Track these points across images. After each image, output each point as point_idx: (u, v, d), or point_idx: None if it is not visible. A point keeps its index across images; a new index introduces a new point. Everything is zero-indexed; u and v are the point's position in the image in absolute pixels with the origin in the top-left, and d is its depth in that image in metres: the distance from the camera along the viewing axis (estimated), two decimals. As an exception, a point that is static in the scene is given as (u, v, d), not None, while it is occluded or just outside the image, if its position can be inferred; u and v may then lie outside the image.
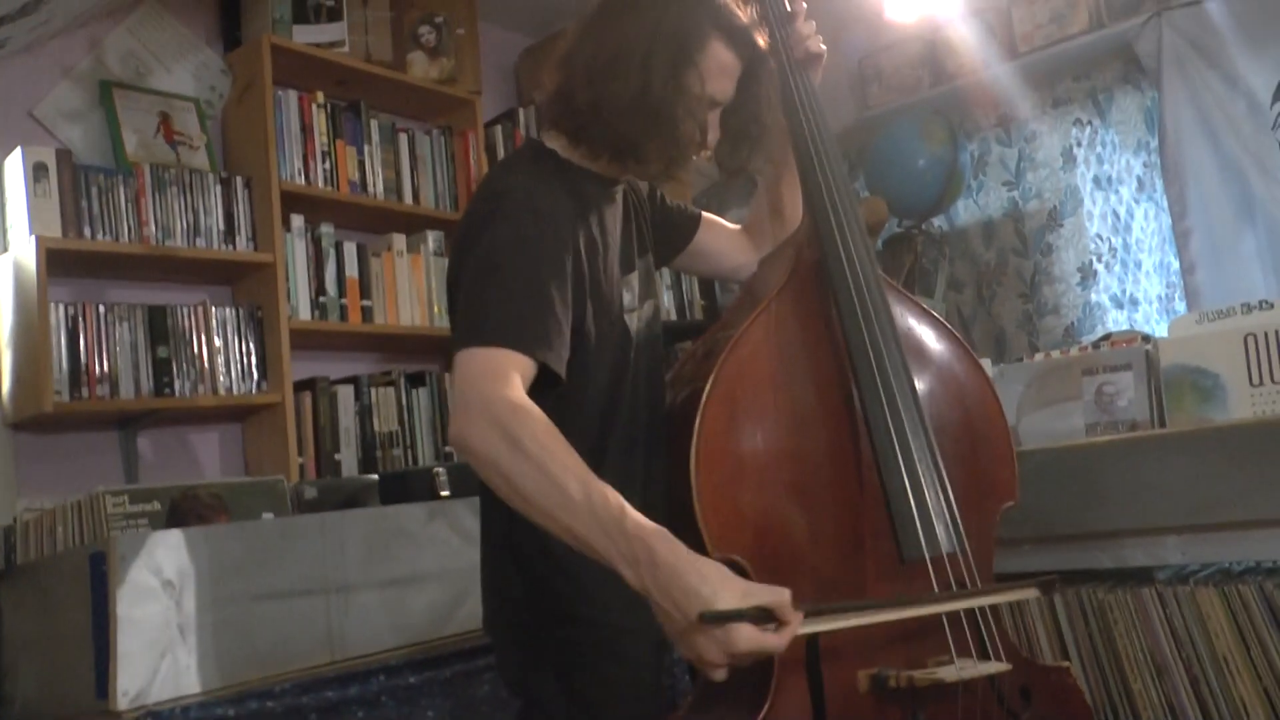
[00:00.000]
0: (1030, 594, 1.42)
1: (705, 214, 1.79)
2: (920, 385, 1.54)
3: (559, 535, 1.21)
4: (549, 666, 1.45)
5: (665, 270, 3.45)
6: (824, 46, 1.69)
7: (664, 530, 1.17)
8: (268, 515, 2.25)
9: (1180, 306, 3.40)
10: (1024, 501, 1.68)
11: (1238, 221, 3.25)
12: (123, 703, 1.62)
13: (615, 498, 1.19)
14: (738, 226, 1.82)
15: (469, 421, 1.24)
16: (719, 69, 1.46)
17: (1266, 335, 1.97)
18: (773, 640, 1.14)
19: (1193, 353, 2.06)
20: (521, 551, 1.47)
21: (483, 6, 3.83)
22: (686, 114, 1.43)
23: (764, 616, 1.13)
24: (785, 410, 1.48)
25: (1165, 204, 3.42)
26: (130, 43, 3.06)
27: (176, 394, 2.81)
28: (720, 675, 1.16)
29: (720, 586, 1.13)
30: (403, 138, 3.50)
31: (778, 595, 1.15)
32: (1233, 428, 1.93)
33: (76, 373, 2.65)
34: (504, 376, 1.26)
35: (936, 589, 1.43)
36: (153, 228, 2.84)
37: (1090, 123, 3.65)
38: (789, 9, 1.64)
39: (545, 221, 1.39)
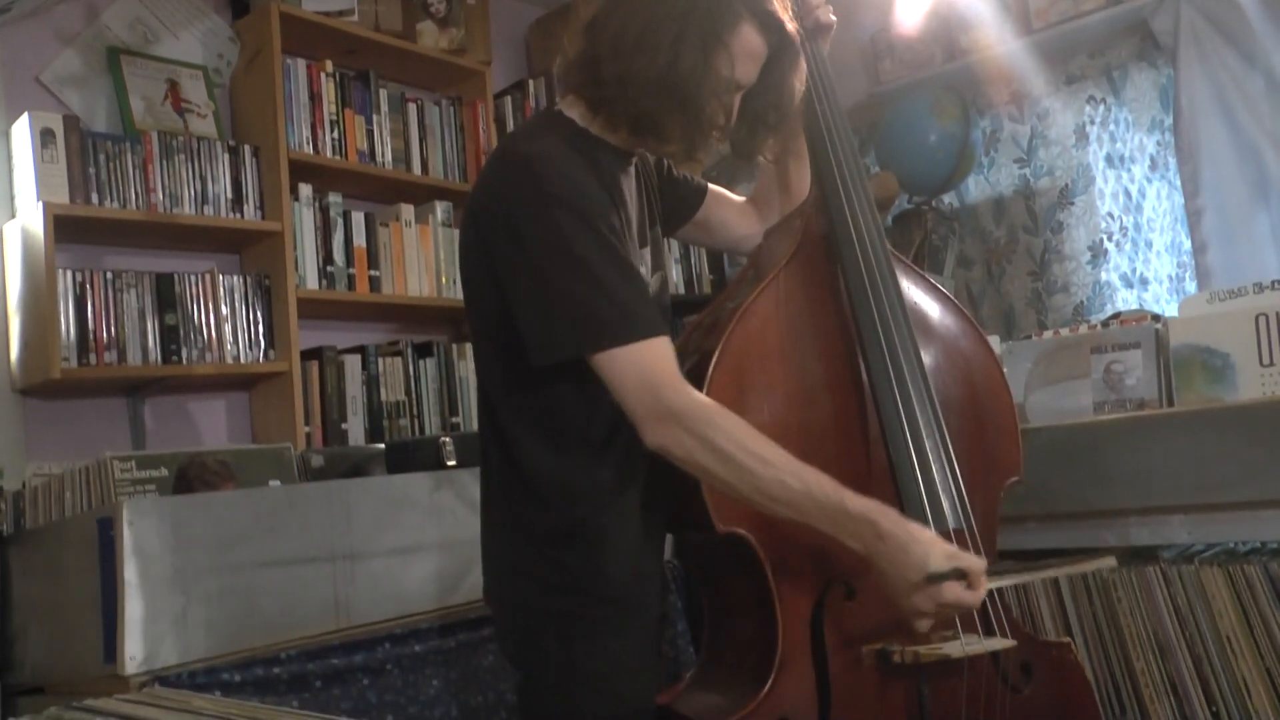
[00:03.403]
0: (1109, 563, 1.51)
1: (711, 186, 1.78)
2: (927, 360, 1.54)
3: (775, 514, 1.34)
4: (550, 638, 1.45)
5: (673, 243, 3.45)
6: (834, 17, 1.67)
7: (881, 504, 1.33)
8: (274, 483, 2.26)
9: (1191, 287, 3.38)
10: (1030, 479, 1.68)
11: (1252, 201, 3.22)
12: (130, 667, 1.63)
13: (831, 483, 1.32)
14: (744, 199, 1.81)
15: (665, 434, 1.33)
16: (747, 53, 1.44)
17: (1278, 315, 1.96)
18: (970, 596, 1.31)
19: (1203, 332, 2.04)
20: (527, 525, 1.47)
21: (493, -24, 3.80)
22: (712, 96, 1.41)
23: (963, 576, 1.31)
24: (792, 382, 1.48)
25: (1178, 183, 3.39)
26: (138, 9, 3.05)
27: (184, 361, 2.81)
28: (926, 626, 1.35)
29: (931, 549, 1.31)
30: (412, 108, 3.48)
31: (973, 561, 1.32)
32: (1242, 407, 1.92)
33: (84, 339, 2.65)
34: (668, 373, 1.35)
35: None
36: (160, 195, 2.84)
37: (1104, 100, 3.62)
38: None
39: (595, 199, 1.39)
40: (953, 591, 1.29)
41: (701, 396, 1.35)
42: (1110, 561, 1.47)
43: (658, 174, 1.67)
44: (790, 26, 1.47)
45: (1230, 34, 3.24)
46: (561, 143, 1.44)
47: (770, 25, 1.45)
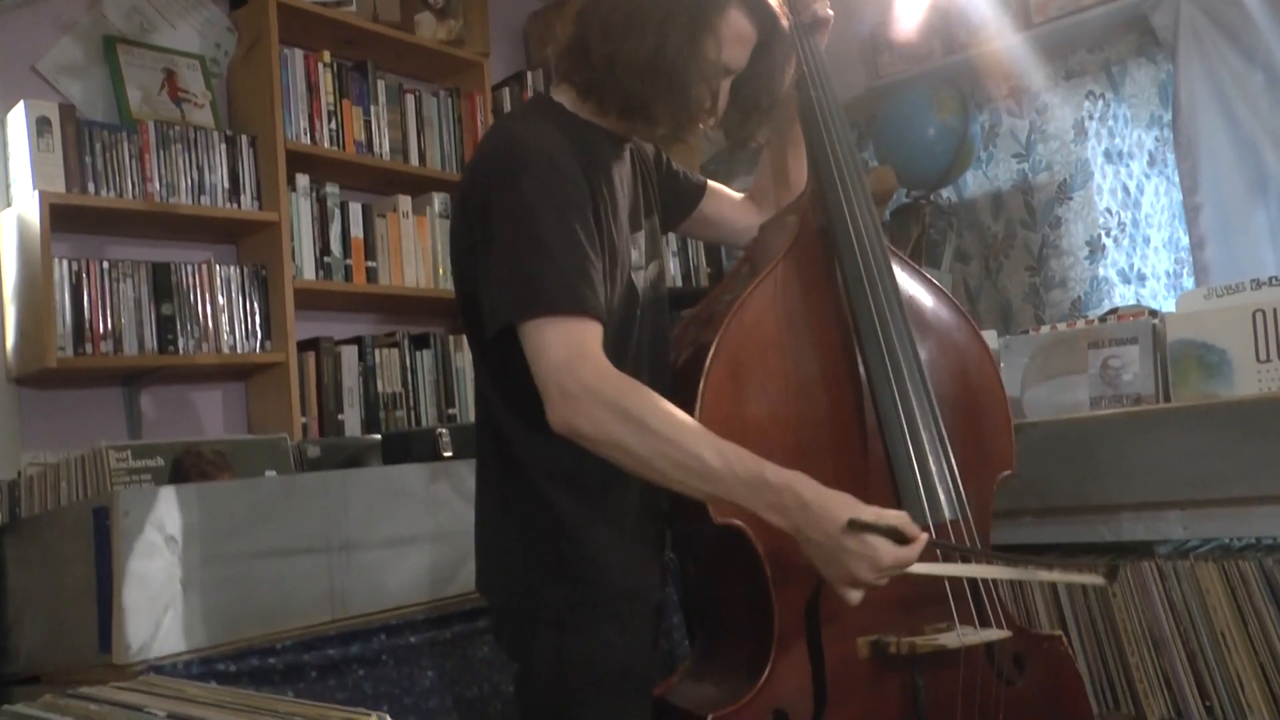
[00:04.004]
0: (1097, 580, 1.47)
1: (710, 182, 1.78)
2: (922, 354, 1.54)
3: (695, 497, 1.31)
4: (545, 627, 1.45)
5: (671, 236, 3.44)
6: (831, 11, 1.67)
7: (800, 473, 1.29)
8: (271, 473, 2.26)
9: (1188, 283, 3.38)
10: (1027, 473, 1.68)
11: (1250, 197, 3.22)
12: (126, 657, 1.63)
13: (749, 454, 1.28)
14: (742, 194, 1.81)
15: (578, 411, 1.28)
16: (736, 37, 1.44)
17: (1275, 311, 1.96)
18: (905, 553, 1.27)
19: (1200, 328, 2.05)
20: (522, 514, 1.47)
21: (492, -32, 3.79)
22: (700, 79, 1.41)
23: (895, 534, 1.27)
24: (789, 375, 1.48)
25: (1176, 179, 3.39)
26: (136, -2, 3.04)
27: (180, 351, 2.81)
28: (857, 598, 1.30)
29: (857, 508, 1.28)
30: (409, 99, 3.48)
31: (900, 517, 1.29)
32: (1238, 403, 1.92)
33: (80, 329, 2.65)
34: (592, 353, 1.31)
35: (939, 555, 1.43)
36: (157, 184, 2.83)
37: (1103, 95, 3.61)
38: None
39: (568, 176, 1.38)
40: (886, 548, 1.26)
41: (620, 374, 1.31)
42: (1099, 580, 1.46)
43: (658, 168, 1.67)
44: (780, 11, 1.47)
45: (1230, 30, 3.24)
46: (548, 124, 1.44)
47: (759, 9, 1.45)
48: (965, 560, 1.45)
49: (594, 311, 1.33)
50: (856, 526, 1.26)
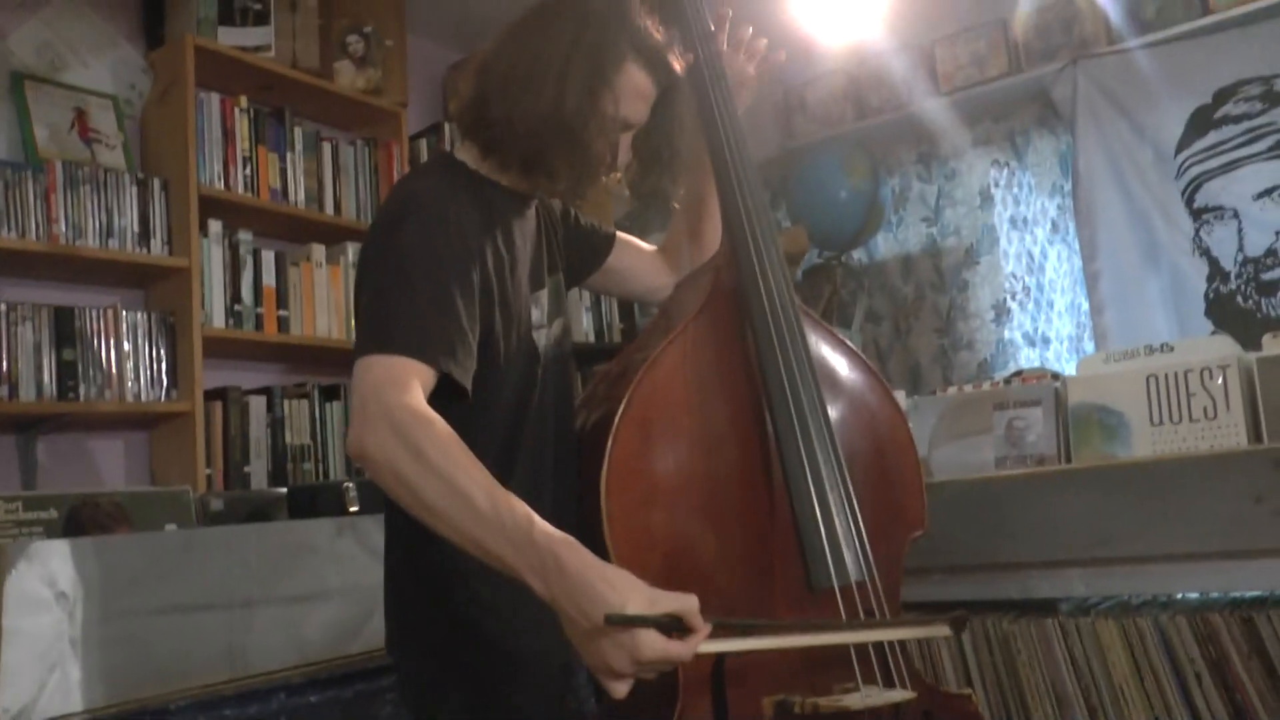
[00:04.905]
0: (942, 632, 1.41)
1: (620, 234, 1.79)
2: (833, 413, 1.55)
3: (464, 546, 1.19)
4: (453, 690, 1.42)
5: (584, 292, 3.45)
6: (753, 71, 1.71)
7: (571, 539, 1.16)
8: (171, 527, 2.19)
9: (1089, 346, 3.49)
10: (934, 532, 1.70)
11: (1143, 266, 3.36)
12: (4, 719, 1.56)
13: (522, 508, 1.17)
14: (654, 249, 1.82)
15: (368, 430, 1.21)
16: (634, 91, 1.46)
17: (1166, 377, 2.04)
18: (677, 649, 1.12)
19: (1099, 391, 2.11)
20: (426, 569, 1.44)
21: (411, 19, 3.81)
22: (598, 133, 1.42)
23: (671, 624, 1.12)
24: (698, 434, 1.48)
25: (1077, 246, 3.52)
26: (45, 34, 2.98)
27: (81, 398, 2.72)
28: (622, 690, 1.15)
29: (627, 593, 1.11)
30: (326, 147, 3.45)
31: (685, 602, 1.13)
32: (1134, 465, 1.98)
33: (-26, 373, 2.56)
34: (405, 385, 1.24)
35: (845, 617, 1.44)
36: (63, 226, 2.76)
37: (1008, 164, 3.74)
38: (712, 28, 1.66)
39: (453, 231, 1.37)
40: (651, 643, 1.10)
41: (425, 407, 1.25)
42: (945, 632, 1.44)
43: (564, 223, 1.67)
44: (678, 66, 1.49)
45: (1123, 106, 3.39)
46: (447, 180, 1.45)
47: (656, 63, 1.47)
48: (775, 634, 1.37)
49: (432, 358, 1.28)
50: (615, 621, 1.09)
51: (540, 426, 1.46)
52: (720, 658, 1.40)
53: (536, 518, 1.17)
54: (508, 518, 1.16)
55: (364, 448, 1.22)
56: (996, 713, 2.00)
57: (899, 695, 1.46)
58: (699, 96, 1.62)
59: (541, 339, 1.51)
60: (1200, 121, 3.29)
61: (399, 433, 1.20)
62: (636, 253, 1.79)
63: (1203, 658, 1.83)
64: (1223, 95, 3.27)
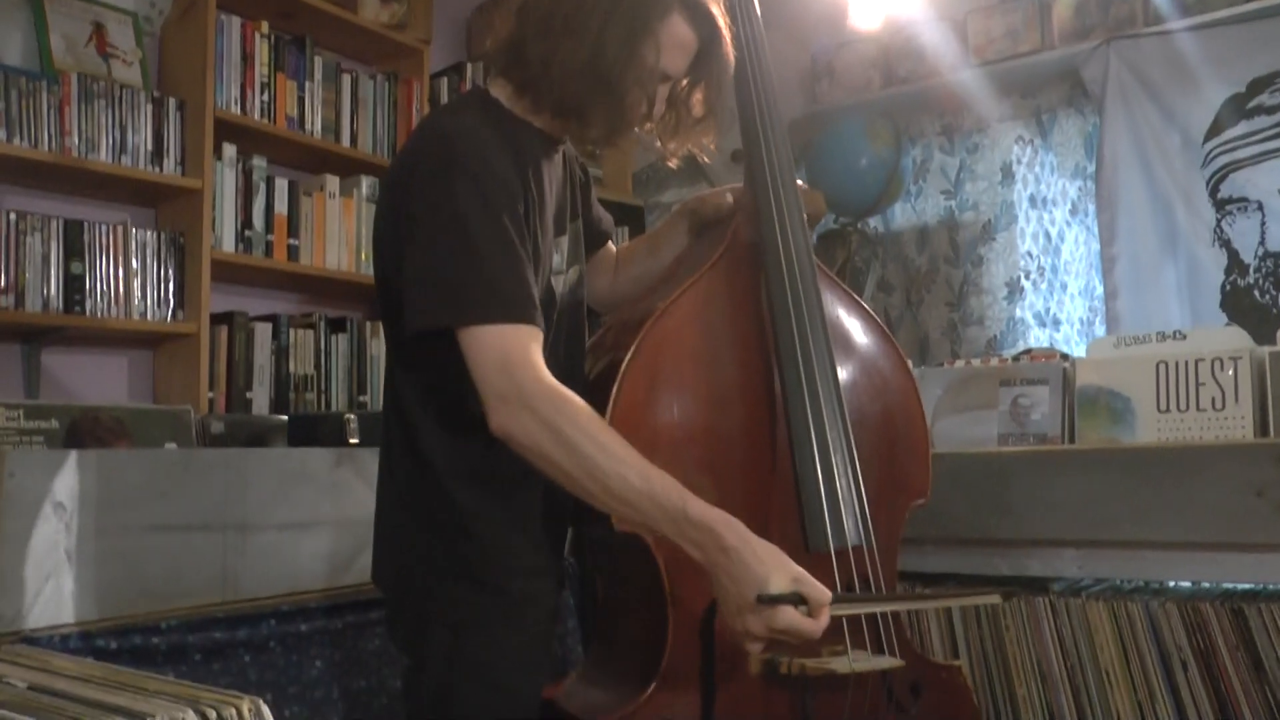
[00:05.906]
0: (993, 599, 1.46)
1: (610, 241, 1.78)
2: (844, 375, 1.55)
3: (614, 514, 1.29)
4: (440, 625, 1.42)
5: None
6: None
7: (726, 515, 1.27)
8: (171, 445, 2.19)
9: (1100, 330, 3.48)
10: (932, 503, 1.70)
11: (1161, 252, 3.33)
12: (-3, 624, 1.57)
13: (675, 485, 1.27)
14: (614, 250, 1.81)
15: (511, 416, 1.28)
16: (675, 43, 1.43)
17: (1177, 365, 2.02)
18: (807, 625, 1.24)
19: (1107, 374, 2.10)
20: (424, 509, 1.44)
21: (441, -45, 3.76)
22: (636, 84, 1.40)
23: (803, 602, 1.25)
24: (705, 386, 1.48)
25: (1095, 229, 3.49)
26: (69, -55, 2.94)
27: (87, 313, 2.71)
28: (757, 649, 1.30)
29: (774, 569, 1.25)
30: (346, 78, 3.42)
31: (819, 591, 1.25)
32: (1137, 450, 1.98)
33: (-20, 280, 2.55)
34: (529, 359, 1.30)
35: (839, 580, 1.44)
36: (76, 139, 2.73)
37: (1032, 141, 3.70)
38: None
39: (500, 181, 1.36)
40: (788, 617, 1.24)
41: (557, 384, 1.31)
42: (994, 599, 1.47)
43: (584, 187, 1.65)
44: (723, 20, 1.47)
45: (1153, 90, 3.35)
46: (482, 120, 1.42)
47: (701, 17, 1.44)
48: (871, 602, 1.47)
49: (525, 315, 1.32)
50: (765, 601, 1.23)
51: (552, 370, 1.46)
52: (711, 611, 1.40)
53: (689, 495, 1.27)
54: (663, 496, 1.26)
55: (509, 433, 1.29)
56: (980, 685, 2.01)
57: (887, 662, 1.47)
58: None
59: (559, 284, 1.50)
60: (1232, 110, 3.24)
61: (541, 419, 1.27)
62: (606, 255, 1.78)
63: (1190, 646, 1.83)
64: (1258, 85, 3.22)
